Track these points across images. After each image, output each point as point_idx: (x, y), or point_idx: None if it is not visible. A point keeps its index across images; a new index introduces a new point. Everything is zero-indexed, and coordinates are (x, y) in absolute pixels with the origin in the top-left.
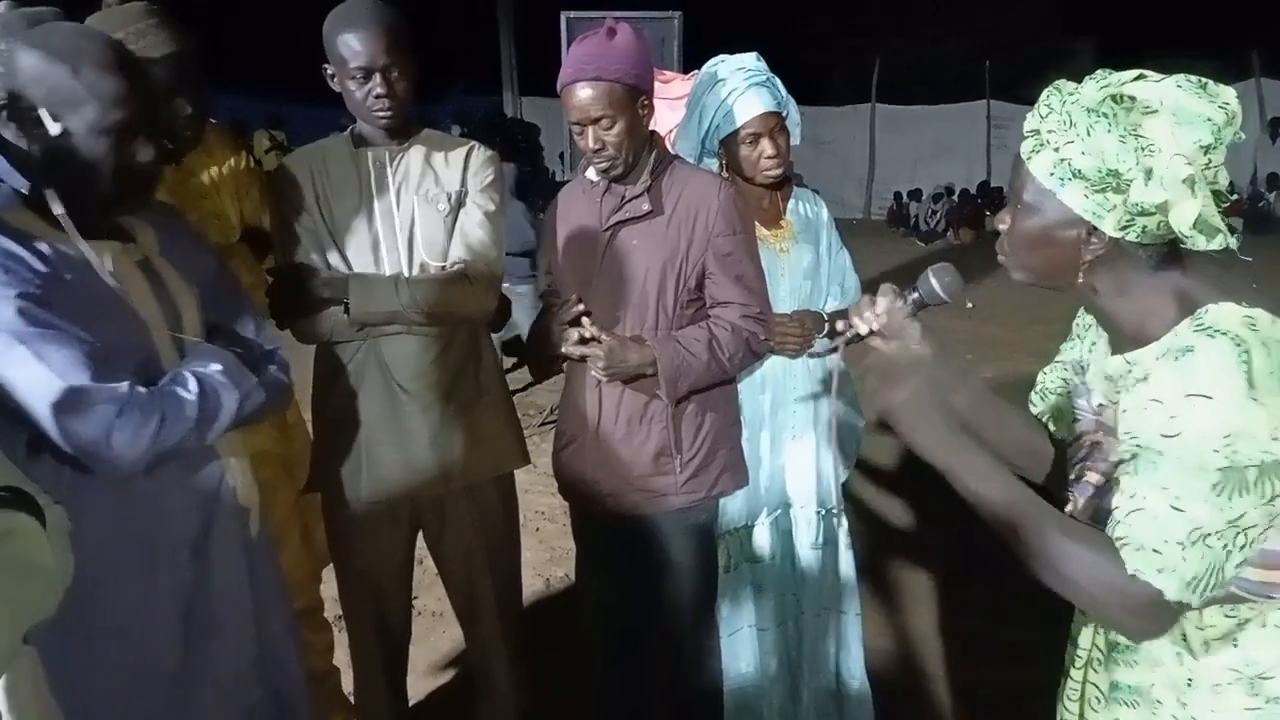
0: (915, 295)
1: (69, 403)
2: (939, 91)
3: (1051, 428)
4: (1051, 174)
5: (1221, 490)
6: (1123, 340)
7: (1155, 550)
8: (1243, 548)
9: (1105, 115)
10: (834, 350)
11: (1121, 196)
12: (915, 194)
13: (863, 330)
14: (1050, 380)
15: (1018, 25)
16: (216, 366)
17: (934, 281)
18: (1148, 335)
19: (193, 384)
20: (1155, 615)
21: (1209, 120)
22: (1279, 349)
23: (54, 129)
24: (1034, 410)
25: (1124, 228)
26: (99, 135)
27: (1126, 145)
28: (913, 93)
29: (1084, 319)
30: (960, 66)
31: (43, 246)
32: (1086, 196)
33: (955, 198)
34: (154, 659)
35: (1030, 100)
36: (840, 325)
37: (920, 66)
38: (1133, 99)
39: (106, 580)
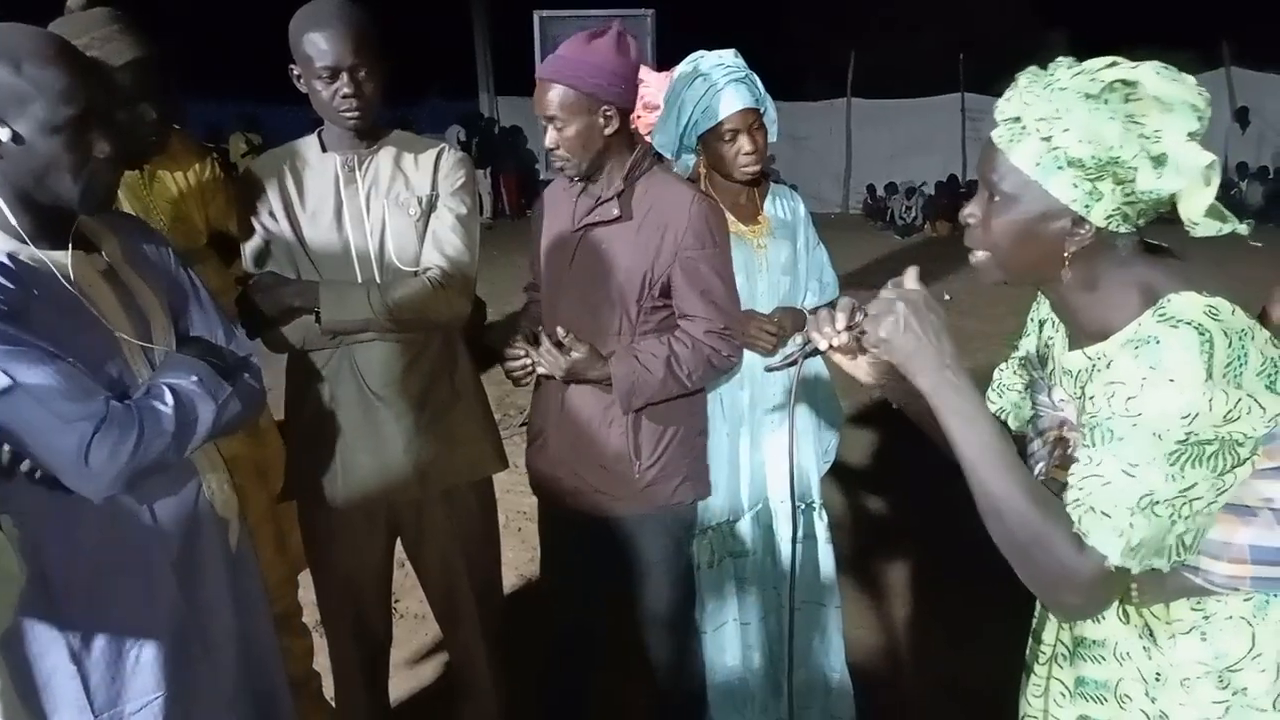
0: None
1: (44, 421)
2: (914, 86)
3: (1011, 424)
4: (1038, 164)
5: (1176, 460)
6: (1083, 335)
7: (1104, 514)
8: (1187, 518)
9: (1105, 102)
10: (791, 364)
11: (1116, 185)
12: (891, 188)
13: (821, 345)
14: (1007, 376)
15: (991, 19)
16: (192, 378)
17: None
18: (1111, 328)
19: (169, 396)
20: (1094, 590)
21: (1193, 107)
22: (1239, 338)
23: (3, 134)
24: (991, 407)
25: (1111, 216)
26: (51, 133)
27: (1130, 133)
28: (888, 87)
29: (1036, 312)
30: (934, 61)
31: (3, 258)
32: (1075, 185)
33: (931, 191)
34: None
35: (1003, 92)
36: (799, 339)
37: (895, 61)
38: (1129, 84)
39: (105, 599)
